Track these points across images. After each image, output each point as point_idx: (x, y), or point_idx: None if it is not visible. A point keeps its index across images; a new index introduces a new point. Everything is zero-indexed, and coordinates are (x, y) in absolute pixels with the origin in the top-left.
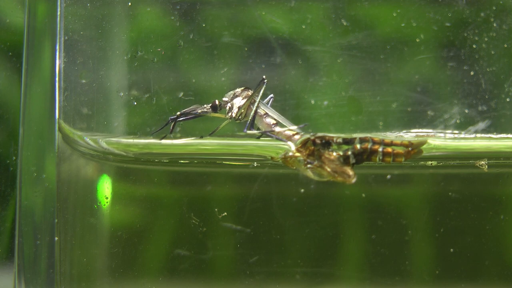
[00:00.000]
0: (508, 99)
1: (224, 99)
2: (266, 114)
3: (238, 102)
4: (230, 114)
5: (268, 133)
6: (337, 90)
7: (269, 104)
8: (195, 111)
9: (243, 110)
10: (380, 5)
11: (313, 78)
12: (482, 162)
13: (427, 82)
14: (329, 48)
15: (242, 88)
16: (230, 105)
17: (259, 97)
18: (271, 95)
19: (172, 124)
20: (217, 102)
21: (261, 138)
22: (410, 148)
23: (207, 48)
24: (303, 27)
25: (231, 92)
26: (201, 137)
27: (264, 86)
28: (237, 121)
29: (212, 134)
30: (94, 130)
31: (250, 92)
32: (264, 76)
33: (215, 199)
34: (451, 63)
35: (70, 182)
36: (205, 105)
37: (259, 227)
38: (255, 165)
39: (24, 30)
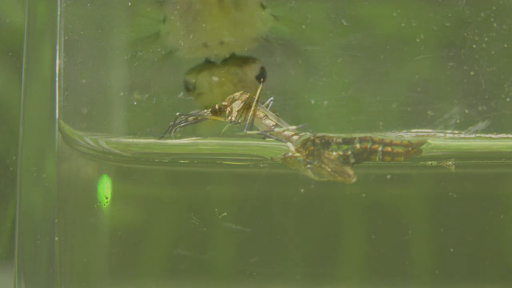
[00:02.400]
0: (508, 99)
1: (224, 103)
2: (266, 116)
3: (237, 105)
4: (230, 118)
5: (267, 134)
6: (337, 90)
7: (269, 107)
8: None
9: (242, 113)
10: (380, 5)
11: (313, 78)
12: (449, 163)
13: (427, 82)
14: (329, 48)
15: (241, 92)
16: (229, 109)
17: (256, 99)
18: (271, 98)
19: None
20: (216, 106)
21: (266, 139)
22: (410, 148)
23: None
24: (303, 27)
25: (230, 96)
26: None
27: (260, 87)
28: (237, 125)
29: (218, 135)
30: (94, 130)
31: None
32: (261, 79)
33: (215, 199)
34: (451, 63)
35: (70, 182)
36: (205, 110)
37: (259, 227)
38: (262, 166)
39: (24, 30)
